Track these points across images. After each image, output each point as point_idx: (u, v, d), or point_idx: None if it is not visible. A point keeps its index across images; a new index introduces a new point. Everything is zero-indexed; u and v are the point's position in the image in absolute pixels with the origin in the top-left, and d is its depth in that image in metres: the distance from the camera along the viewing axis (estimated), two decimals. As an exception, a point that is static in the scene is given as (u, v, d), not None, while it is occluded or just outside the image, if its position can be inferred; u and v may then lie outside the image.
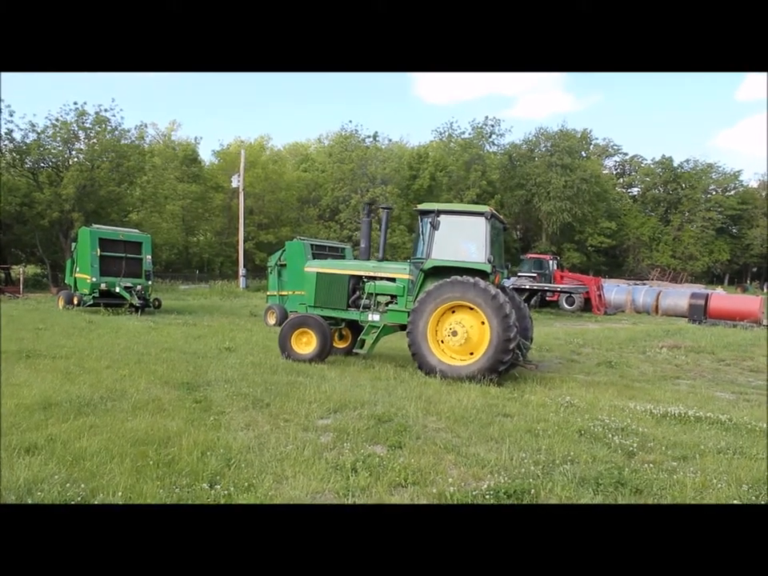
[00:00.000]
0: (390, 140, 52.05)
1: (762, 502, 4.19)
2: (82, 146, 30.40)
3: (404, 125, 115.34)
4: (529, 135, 56.42)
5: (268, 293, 17.84)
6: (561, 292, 26.75)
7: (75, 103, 29.62)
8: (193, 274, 40.72)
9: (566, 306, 26.95)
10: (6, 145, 28.84)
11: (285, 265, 16.58)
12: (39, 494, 3.76)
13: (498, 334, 8.36)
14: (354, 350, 10.22)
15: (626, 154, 69.10)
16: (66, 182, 27.72)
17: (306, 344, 9.71)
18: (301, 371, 8.62)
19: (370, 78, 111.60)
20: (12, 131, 28.58)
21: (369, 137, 47.71)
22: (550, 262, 29.74)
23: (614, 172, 69.89)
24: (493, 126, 55.44)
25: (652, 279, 48.57)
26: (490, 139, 56.30)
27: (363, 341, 9.86)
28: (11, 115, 29.77)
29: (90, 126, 29.79)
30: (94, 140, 29.91)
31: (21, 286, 26.22)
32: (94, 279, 18.03)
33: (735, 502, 4.16)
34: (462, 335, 8.64)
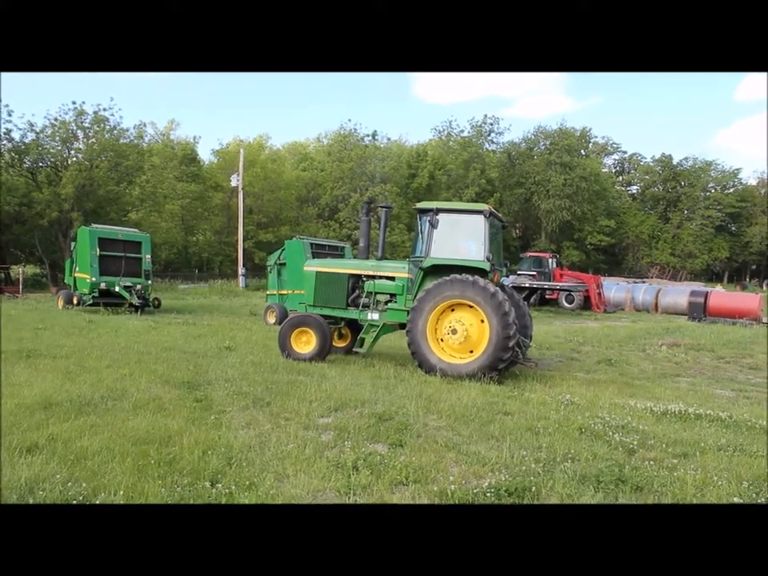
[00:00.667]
0: (389, 139, 52.08)
1: (763, 500, 4.20)
2: (80, 146, 30.42)
3: (403, 125, 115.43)
4: (528, 134, 56.52)
5: (267, 292, 17.83)
6: (560, 290, 26.75)
7: (74, 103, 29.71)
8: (192, 273, 40.69)
9: (566, 304, 26.98)
10: (4, 145, 28.82)
11: (284, 264, 16.55)
12: (41, 493, 3.76)
13: (498, 332, 8.37)
14: (354, 349, 10.24)
15: (625, 152, 69.19)
16: (65, 181, 27.71)
17: (306, 343, 9.71)
18: (301, 370, 8.63)
19: (370, 77, 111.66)
20: (11, 131, 28.65)
21: (368, 136, 47.74)
22: (550, 260, 29.73)
23: (614, 170, 69.84)
24: (492, 124, 55.56)
25: (651, 277, 48.64)
26: (489, 138, 56.47)
27: (363, 340, 9.86)
28: (10, 115, 29.75)
29: (89, 125, 29.81)
30: (93, 139, 29.92)
31: (20, 286, 26.22)
32: (94, 279, 18.04)
33: (736, 499, 4.16)
34: (462, 333, 8.65)
